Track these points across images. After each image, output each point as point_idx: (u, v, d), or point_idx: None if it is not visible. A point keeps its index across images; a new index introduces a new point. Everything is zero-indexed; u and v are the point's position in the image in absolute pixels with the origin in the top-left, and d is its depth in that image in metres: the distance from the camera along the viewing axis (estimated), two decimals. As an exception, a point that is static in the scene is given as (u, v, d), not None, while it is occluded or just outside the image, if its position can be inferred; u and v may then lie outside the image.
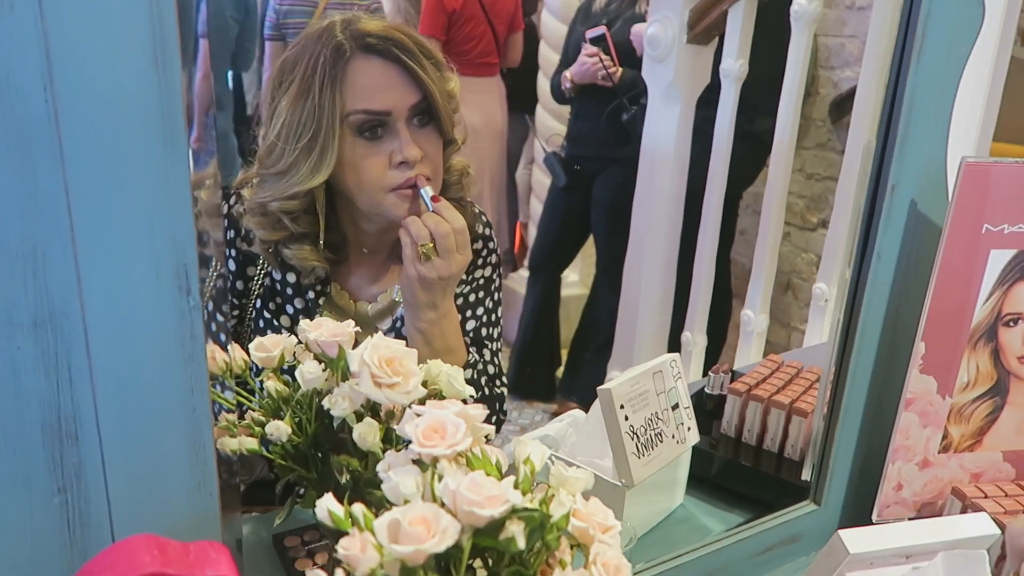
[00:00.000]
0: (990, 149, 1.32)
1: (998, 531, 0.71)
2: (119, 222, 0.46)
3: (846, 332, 0.89)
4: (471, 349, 1.04)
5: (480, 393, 1.02)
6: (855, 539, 0.67)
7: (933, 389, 0.88)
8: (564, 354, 2.80)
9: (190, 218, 0.48)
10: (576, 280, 3.18)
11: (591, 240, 2.59)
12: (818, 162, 2.61)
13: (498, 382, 1.07)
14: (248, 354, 0.69)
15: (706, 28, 1.54)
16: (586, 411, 0.99)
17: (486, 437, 1.07)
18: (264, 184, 0.96)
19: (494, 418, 1.05)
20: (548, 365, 2.80)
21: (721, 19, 1.52)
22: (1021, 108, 1.81)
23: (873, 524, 0.89)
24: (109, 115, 0.45)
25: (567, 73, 2.34)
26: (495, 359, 1.09)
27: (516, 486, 0.50)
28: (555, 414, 2.60)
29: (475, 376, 1.02)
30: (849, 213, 0.90)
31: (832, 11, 2.53)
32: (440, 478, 0.50)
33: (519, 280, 3.01)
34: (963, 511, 0.88)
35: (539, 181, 3.04)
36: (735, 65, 1.54)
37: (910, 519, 0.92)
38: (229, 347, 0.67)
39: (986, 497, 0.88)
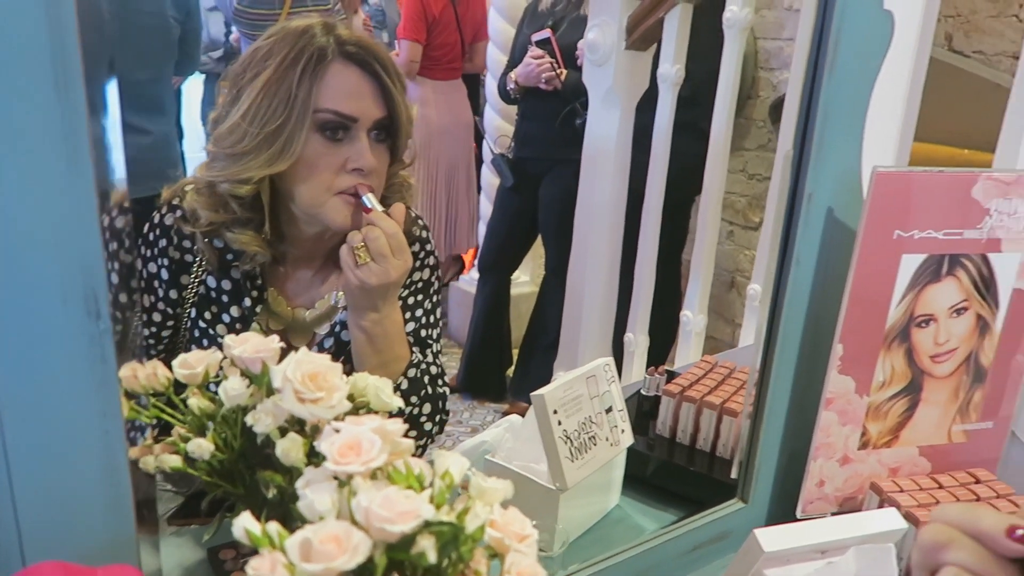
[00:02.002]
0: (913, 152, 1.36)
1: (906, 525, 0.74)
2: (22, 249, 0.46)
3: (769, 334, 0.92)
4: (414, 349, 1.05)
5: (424, 392, 1.03)
6: (770, 537, 0.69)
7: (851, 388, 0.91)
8: (516, 354, 2.82)
9: (98, 244, 0.48)
10: (527, 280, 3.20)
11: (541, 241, 2.60)
12: (760, 163, 2.67)
13: (440, 381, 1.09)
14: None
15: (643, 34, 1.57)
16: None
17: (425, 444, 1.06)
18: (216, 163, 0.96)
19: (438, 417, 1.07)
20: (499, 365, 2.82)
21: (658, 26, 1.55)
22: (946, 110, 1.87)
23: (798, 520, 0.93)
24: (10, 142, 0.45)
25: (512, 74, 2.36)
26: (437, 359, 1.11)
27: (431, 500, 0.51)
28: (506, 413, 2.61)
29: (419, 375, 1.03)
30: (775, 218, 0.93)
31: (771, 13, 2.59)
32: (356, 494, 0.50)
33: (471, 282, 3.01)
34: (880, 505, 0.92)
35: (488, 182, 3.05)
36: (672, 70, 1.56)
37: (833, 514, 0.96)
38: (150, 363, 0.66)
39: (901, 491, 0.91)
